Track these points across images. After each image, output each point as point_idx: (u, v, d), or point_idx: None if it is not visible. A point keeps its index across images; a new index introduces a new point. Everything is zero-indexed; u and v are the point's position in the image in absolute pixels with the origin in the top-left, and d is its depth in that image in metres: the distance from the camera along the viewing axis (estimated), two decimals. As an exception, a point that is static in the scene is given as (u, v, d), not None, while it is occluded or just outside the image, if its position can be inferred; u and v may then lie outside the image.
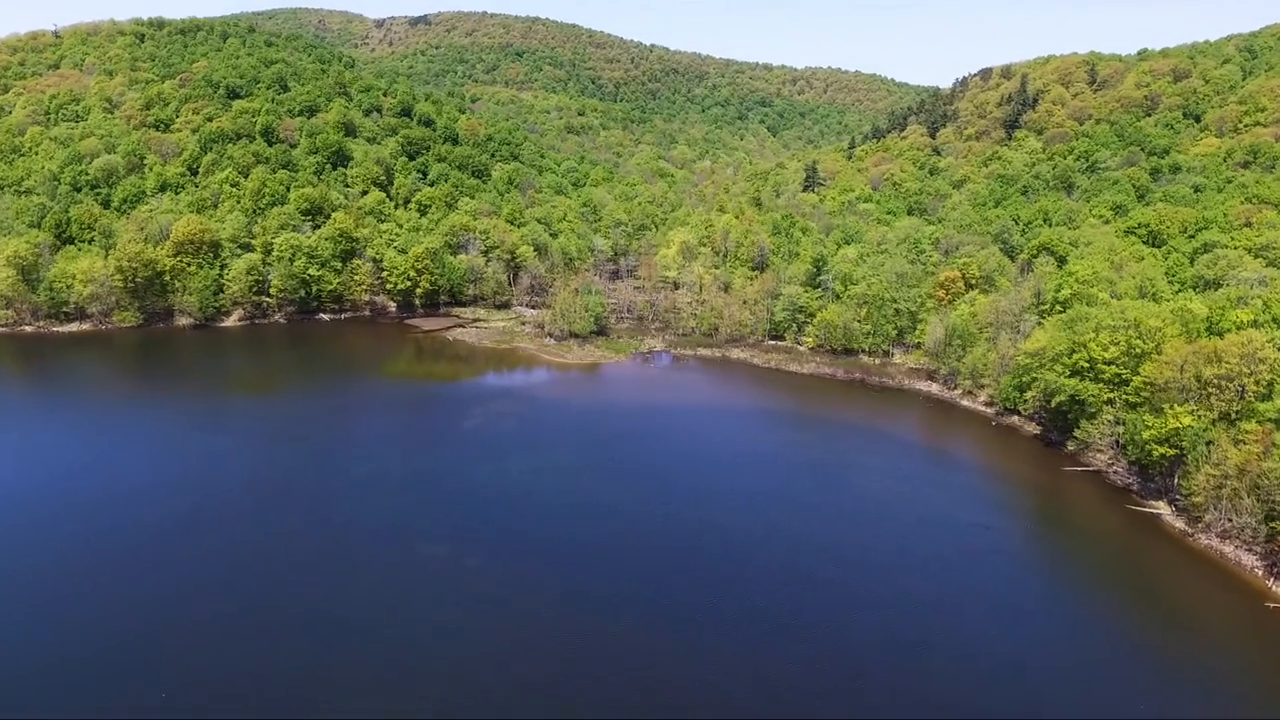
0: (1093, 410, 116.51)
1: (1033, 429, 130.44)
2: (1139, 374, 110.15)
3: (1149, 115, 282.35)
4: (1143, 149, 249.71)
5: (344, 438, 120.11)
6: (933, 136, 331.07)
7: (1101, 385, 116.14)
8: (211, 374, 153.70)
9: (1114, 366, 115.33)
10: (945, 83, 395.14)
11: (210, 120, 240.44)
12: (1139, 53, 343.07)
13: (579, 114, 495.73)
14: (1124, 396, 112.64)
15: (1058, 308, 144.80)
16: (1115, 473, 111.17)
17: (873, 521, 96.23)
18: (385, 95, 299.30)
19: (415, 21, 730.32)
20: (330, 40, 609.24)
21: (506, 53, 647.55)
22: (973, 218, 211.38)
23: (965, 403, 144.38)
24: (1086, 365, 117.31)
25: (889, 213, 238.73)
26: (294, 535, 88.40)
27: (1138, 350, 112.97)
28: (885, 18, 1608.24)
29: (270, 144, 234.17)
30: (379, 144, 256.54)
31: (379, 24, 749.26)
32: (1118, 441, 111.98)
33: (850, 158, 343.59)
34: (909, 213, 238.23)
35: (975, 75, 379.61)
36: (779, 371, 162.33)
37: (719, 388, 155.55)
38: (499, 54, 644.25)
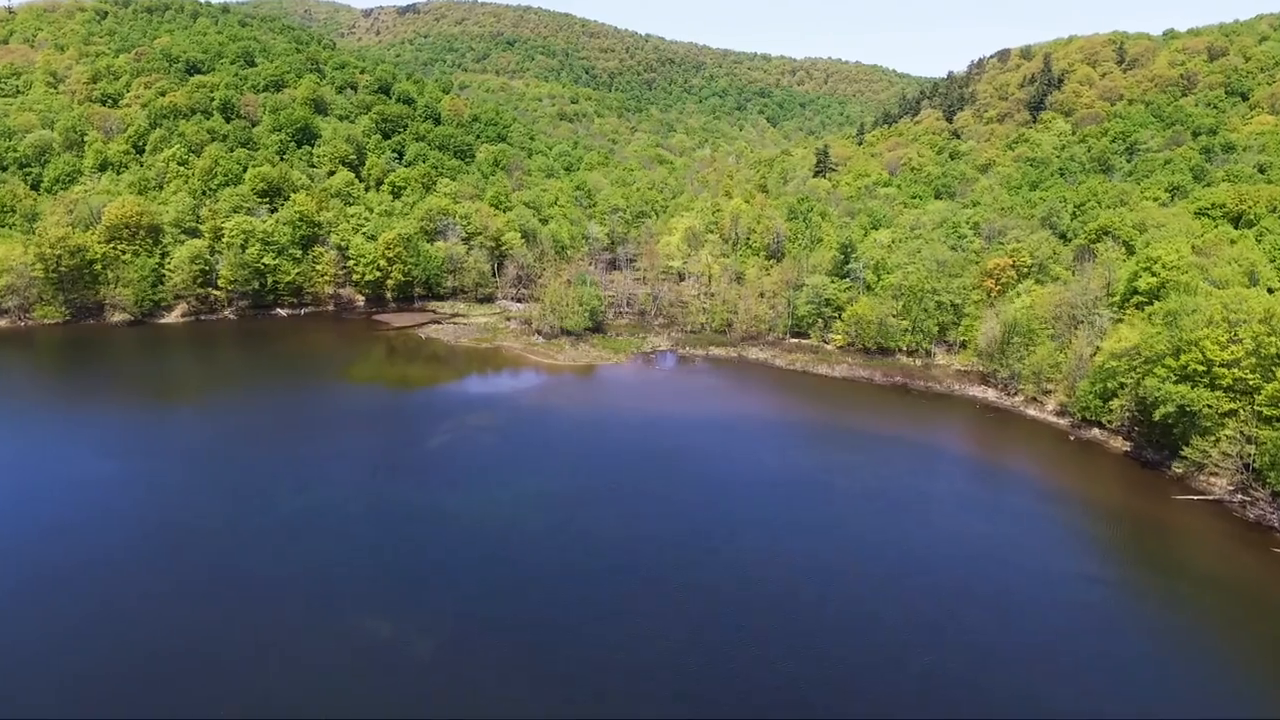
0: (1207, 424, 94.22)
1: (1120, 444, 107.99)
2: (1275, 379, 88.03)
3: (1186, 94, 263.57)
4: (1186, 129, 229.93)
5: (281, 460, 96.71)
6: (949, 120, 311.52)
7: (1220, 393, 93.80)
8: (137, 380, 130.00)
9: (1236, 370, 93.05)
10: (946, 74, 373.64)
11: (164, 95, 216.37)
12: (1165, 33, 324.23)
13: (572, 102, 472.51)
14: (1252, 408, 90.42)
15: (1138, 298, 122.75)
16: (1244, 504, 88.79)
17: (958, 577, 73.38)
18: (362, 73, 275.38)
19: (404, 10, 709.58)
20: (316, 30, 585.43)
21: (497, 42, 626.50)
22: (1012, 200, 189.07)
23: (1031, 412, 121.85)
24: (1201, 369, 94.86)
25: (914, 197, 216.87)
26: (185, 601, 65.15)
27: (1270, 350, 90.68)
28: (885, 8, 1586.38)
29: (228, 120, 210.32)
30: (352, 122, 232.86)
31: (366, 13, 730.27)
32: (1248, 465, 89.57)
33: (861, 143, 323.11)
34: (936, 197, 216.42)
35: (992, 57, 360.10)
36: (806, 374, 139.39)
37: (737, 394, 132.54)
38: (489, 43, 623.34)
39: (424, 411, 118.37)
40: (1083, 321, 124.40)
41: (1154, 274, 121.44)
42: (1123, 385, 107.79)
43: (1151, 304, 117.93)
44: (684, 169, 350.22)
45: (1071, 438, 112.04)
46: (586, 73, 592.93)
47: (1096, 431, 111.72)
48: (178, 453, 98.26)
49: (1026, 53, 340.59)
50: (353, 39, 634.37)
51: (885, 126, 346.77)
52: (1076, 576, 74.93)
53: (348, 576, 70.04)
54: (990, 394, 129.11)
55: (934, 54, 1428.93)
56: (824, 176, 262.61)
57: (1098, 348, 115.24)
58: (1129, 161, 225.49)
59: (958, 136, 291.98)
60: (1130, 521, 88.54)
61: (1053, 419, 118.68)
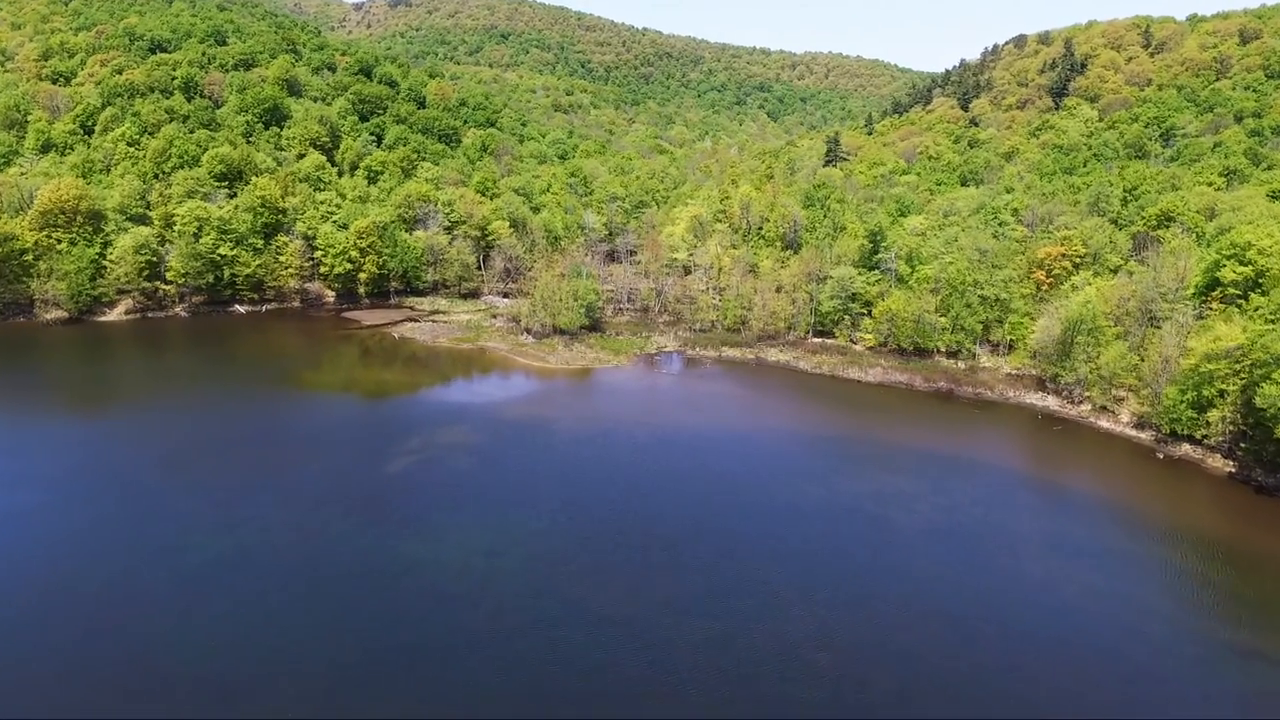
0: (1345, 442, 76.83)
1: (1221, 464, 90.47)
2: None
3: (1220, 78, 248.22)
4: (1228, 111, 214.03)
5: (206, 489, 78.06)
6: (965, 109, 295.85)
7: (1362, 404, 76.40)
8: (58, 388, 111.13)
9: (1382, 376, 75.66)
10: (959, 62, 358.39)
11: (120, 73, 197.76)
12: (1190, 18, 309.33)
13: (567, 93, 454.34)
14: None
15: (1223, 290, 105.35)
16: (1405, 543, 71.32)
17: (1073, 655, 55.55)
18: (343, 55, 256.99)
19: (395, 3, 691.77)
20: (305, 22, 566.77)
21: (491, 35, 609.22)
22: (1054, 186, 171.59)
23: (1102, 423, 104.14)
24: (1337, 374, 77.43)
25: (938, 184, 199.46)
26: (38, 694, 47.11)
27: None
28: (885, 3, 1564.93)
29: (190, 99, 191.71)
30: (327, 104, 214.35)
31: (357, 7, 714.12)
32: None
33: (871, 133, 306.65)
34: (963, 184, 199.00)
35: (1008, 43, 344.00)
36: (835, 380, 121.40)
37: (758, 403, 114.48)
38: (483, 36, 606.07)
39: (388, 426, 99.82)
40: (1161, 318, 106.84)
41: (1244, 262, 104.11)
42: (1222, 393, 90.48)
43: (1246, 298, 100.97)
44: (685, 159, 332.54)
45: (1159, 455, 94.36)
46: (583, 66, 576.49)
47: (1188, 448, 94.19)
48: (82, 480, 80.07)
49: (1045, 38, 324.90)
50: (343, 32, 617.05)
51: (895, 116, 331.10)
52: (1232, 651, 57.15)
53: (260, 658, 51.98)
54: (1050, 402, 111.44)
55: (935, 50, 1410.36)
56: (835, 166, 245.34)
57: (1185, 348, 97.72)
58: (1166, 147, 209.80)
59: (975, 124, 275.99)
60: (1263, 568, 70.67)
61: (1130, 432, 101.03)
